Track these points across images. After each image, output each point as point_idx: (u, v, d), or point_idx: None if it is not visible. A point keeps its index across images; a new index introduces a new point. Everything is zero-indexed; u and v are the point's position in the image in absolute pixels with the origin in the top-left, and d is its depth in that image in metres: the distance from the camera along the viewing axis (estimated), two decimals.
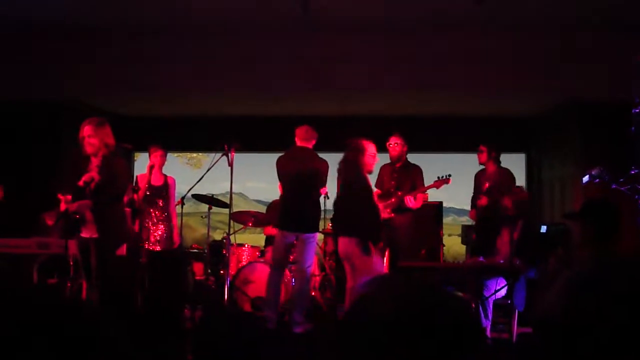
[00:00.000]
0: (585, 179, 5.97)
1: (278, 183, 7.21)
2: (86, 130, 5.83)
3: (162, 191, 7.74)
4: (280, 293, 7.26)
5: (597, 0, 7.55)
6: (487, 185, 7.87)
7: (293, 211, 7.00)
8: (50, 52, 8.91)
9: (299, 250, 7.07)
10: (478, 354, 1.22)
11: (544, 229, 7.00)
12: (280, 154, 7.30)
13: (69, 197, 5.98)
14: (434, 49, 8.67)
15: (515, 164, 10.78)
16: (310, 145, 7.15)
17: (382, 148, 7.17)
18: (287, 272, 8.19)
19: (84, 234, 5.77)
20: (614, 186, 5.91)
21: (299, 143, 7.16)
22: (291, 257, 7.45)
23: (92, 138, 5.82)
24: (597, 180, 5.85)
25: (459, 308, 1.23)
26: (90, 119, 5.93)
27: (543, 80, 8.82)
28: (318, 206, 7.15)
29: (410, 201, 7.17)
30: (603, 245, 3.46)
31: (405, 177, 7.46)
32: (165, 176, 7.90)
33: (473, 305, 5.88)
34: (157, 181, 7.74)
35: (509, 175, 8.00)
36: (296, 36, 8.68)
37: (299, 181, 7.00)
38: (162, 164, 7.88)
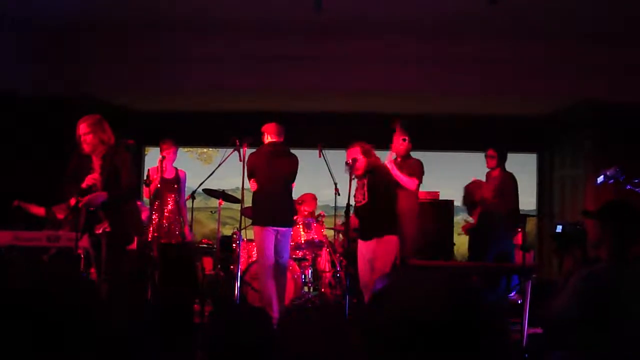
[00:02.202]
0: (600, 179, 5.91)
1: (251, 179, 7.23)
2: (82, 128, 5.79)
3: (174, 184, 7.76)
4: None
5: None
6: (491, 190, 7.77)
7: (277, 207, 7.12)
8: (64, 48, 8.91)
9: (281, 245, 7.20)
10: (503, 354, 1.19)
11: (559, 228, 6.93)
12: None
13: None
14: (447, 50, 8.64)
15: (526, 164, 10.75)
16: (282, 140, 7.27)
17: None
18: (295, 267, 8.23)
19: (97, 230, 5.76)
20: (628, 187, 5.86)
21: (273, 138, 7.23)
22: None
23: (87, 136, 5.78)
24: (612, 180, 5.80)
25: (489, 307, 1.20)
26: (85, 117, 5.88)
27: (555, 81, 8.79)
28: (292, 200, 7.53)
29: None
30: (619, 246, 3.42)
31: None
32: (177, 169, 7.90)
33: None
34: (169, 174, 7.76)
35: (512, 180, 8.03)
36: (309, 34, 8.65)
37: (280, 176, 7.14)
38: (174, 159, 7.91)
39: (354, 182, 6.70)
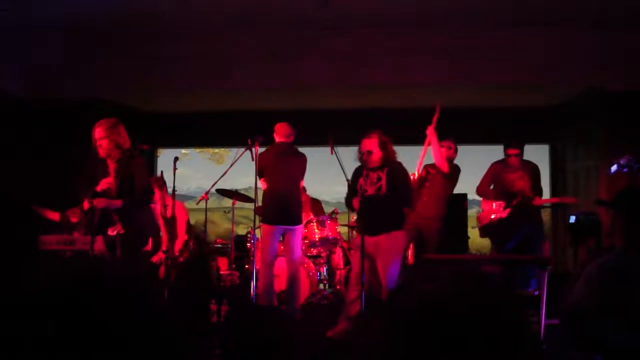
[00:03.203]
0: (614, 168, 5.86)
1: (261, 178, 7.32)
2: (97, 132, 5.81)
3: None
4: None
5: None
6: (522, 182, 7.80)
7: (285, 205, 7.17)
8: (77, 50, 8.97)
9: (292, 243, 7.30)
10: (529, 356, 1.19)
11: (572, 219, 6.91)
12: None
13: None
14: (458, 42, 8.62)
15: (539, 155, 10.69)
16: (290, 141, 7.36)
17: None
18: (310, 264, 8.26)
19: (110, 232, 5.79)
20: None
21: (281, 139, 7.34)
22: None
23: (103, 140, 5.80)
24: (626, 169, 5.76)
25: (509, 297, 1.20)
26: (101, 120, 5.89)
27: (567, 71, 8.75)
28: (301, 199, 7.55)
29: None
30: (633, 235, 3.41)
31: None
32: None
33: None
34: None
35: (537, 170, 8.02)
36: (320, 30, 8.65)
37: (288, 175, 7.21)
38: None
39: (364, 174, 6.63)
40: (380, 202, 6.37)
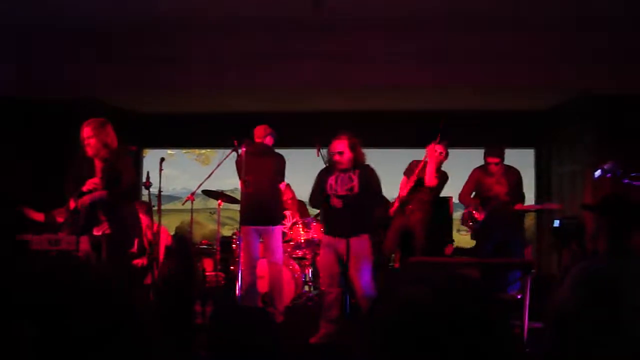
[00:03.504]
0: (598, 173, 5.93)
1: (239, 181, 7.32)
2: (86, 131, 5.81)
3: None
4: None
5: None
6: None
7: (259, 206, 7.17)
8: (65, 50, 8.93)
9: (270, 244, 7.30)
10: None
11: (557, 223, 6.96)
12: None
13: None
14: (444, 45, 8.65)
15: (524, 159, 10.75)
16: (266, 142, 7.42)
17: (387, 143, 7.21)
18: (296, 266, 8.27)
19: (96, 232, 5.78)
20: (625, 181, 5.87)
21: (257, 140, 7.43)
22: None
23: (91, 139, 5.79)
24: (609, 174, 5.81)
25: (490, 300, 1.21)
26: (90, 119, 5.89)
27: (553, 75, 8.79)
28: (281, 199, 7.61)
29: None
30: (616, 239, 3.44)
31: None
32: None
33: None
34: None
35: (518, 174, 8.05)
36: (309, 33, 8.66)
37: (261, 176, 7.19)
38: None
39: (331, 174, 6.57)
40: (353, 202, 6.33)
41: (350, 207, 6.29)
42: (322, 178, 6.57)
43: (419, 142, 7.90)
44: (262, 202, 7.18)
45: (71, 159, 6.18)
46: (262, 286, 7.60)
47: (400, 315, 1.16)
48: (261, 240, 7.43)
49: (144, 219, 7.19)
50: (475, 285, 1.22)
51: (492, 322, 1.18)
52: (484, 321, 1.17)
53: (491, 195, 7.66)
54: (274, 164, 7.36)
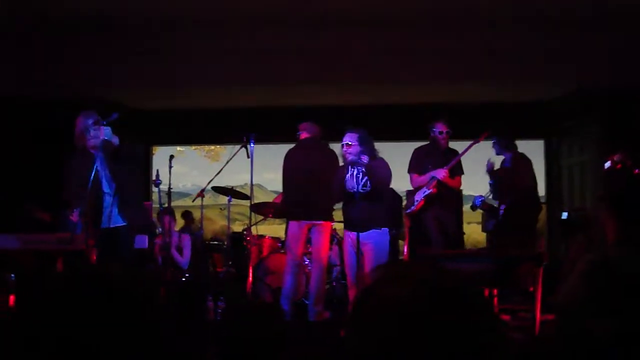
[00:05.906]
0: (607, 164, 5.92)
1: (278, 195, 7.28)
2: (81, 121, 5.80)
3: None
4: (299, 285, 7.43)
5: None
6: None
7: (307, 200, 7.04)
8: (68, 47, 8.94)
9: (313, 240, 7.16)
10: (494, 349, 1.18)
11: (564, 215, 6.96)
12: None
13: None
14: (453, 38, 8.63)
15: (534, 150, 10.71)
16: (315, 136, 7.29)
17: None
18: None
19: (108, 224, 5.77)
20: (636, 171, 5.86)
21: (305, 135, 7.31)
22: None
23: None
24: (619, 165, 5.80)
25: (475, 295, 1.20)
26: (83, 112, 5.88)
27: (562, 66, 8.76)
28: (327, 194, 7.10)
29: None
30: (624, 230, 3.43)
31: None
32: None
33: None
34: None
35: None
36: (311, 28, 8.65)
37: (310, 170, 7.07)
38: None
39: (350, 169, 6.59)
40: (365, 197, 6.38)
41: (365, 201, 6.34)
42: (340, 174, 6.61)
43: (426, 136, 7.84)
44: (310, 197, 7.02)
45: (72, 159, 6.09)
46: (274, 282, 7.61)
47: (379, 315, 1.16)
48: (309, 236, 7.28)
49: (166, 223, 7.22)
50: (455, 280, 1.21)
51: (473, 317, 1.17)
52: (463, 315, 1.15)
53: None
54: (325, 158, 7.21)
